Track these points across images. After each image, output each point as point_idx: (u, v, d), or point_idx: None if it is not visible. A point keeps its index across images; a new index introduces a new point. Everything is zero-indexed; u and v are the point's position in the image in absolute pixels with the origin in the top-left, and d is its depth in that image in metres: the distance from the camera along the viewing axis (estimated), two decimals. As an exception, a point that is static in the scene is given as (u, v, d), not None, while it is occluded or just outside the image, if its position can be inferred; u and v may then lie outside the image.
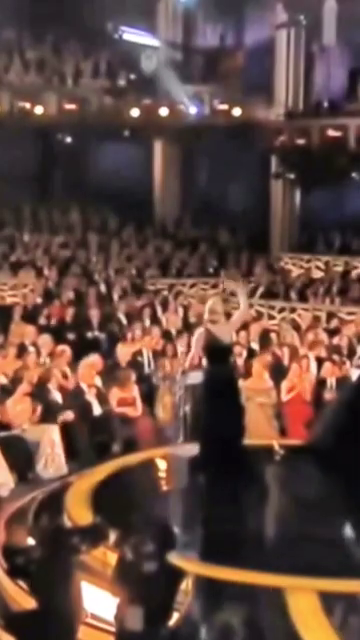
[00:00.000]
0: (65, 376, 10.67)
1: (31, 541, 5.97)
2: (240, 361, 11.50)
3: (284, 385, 10.91)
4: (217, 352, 8.03)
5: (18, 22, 20.57)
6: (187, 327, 13.37)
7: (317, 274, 18.41)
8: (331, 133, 19.48)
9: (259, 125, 20.11)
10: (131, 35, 20.88)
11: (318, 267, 19.03)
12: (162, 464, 8.67)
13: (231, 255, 18.89)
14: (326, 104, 20.17)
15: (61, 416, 9.66)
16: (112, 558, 5.33)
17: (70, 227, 19.33)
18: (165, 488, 7.92)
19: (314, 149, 19.65)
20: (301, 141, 19.80)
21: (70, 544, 5.04)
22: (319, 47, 20.42)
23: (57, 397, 10.00)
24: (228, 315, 8.31)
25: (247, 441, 9.30)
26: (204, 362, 8.26)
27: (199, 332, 8.23)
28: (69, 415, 9.73)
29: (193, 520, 6.99)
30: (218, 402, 7.86)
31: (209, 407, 7.96)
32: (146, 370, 11.67)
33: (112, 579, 4.74)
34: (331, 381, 11.14)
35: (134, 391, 10.53)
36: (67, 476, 8.76)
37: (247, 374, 11.00)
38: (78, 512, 6.78)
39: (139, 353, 11.91)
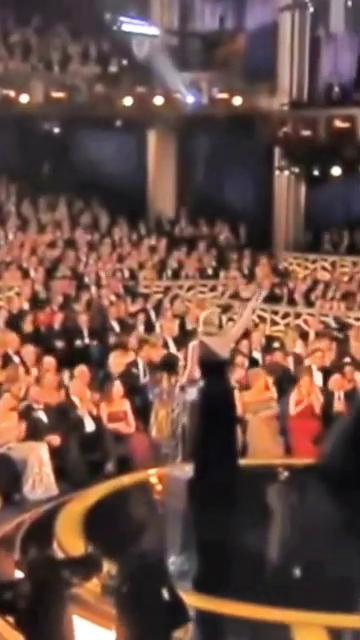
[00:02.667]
0: (56, 388, 10.69)
1: (18, 573, 5.99)
2: (242, 372, 11.53)
3: (292, 397, 10.94)
4: (212, 366, 7.98)
5: (0, 3, 20.58)
6: (185, 335, 13.39)
7: (323, 276, 18.45)
8: (338, 124, 19.53)
9: (261, 115, 20.15)
10: (125, 20, 20.90)
11: (324, 268, 19.08)
12: (158, 486, 8.71)
13: (231, 255, 18.91)
14: (333, 93, 20.22)
15: (47, 439, 9.67)
16: (106, 591, 5.37)
17: (58, 225, 19.34)
18: (162, 512, 7.95)
19: (320, 141, 19.70)
20: (306, 132, 19.84)
21: (61, 577, 5.07)
22: (326, 31, 20.48)
23: (42, 415, 10.01)
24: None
25: (250, 460, 9.37)
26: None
27: (193, 344, 8.22)
28: (55, 439, 9.74)
29: (191, 548, 7.02)
30: (212, 421, 7.84)
31: (203, 426, 7.95)
32: (141, 382, 11.70)
33: (106, 613, 4.76)
34: (339, 394, 11.17)
35: (125, 405, 10.55)
36: (57, 498, 8.78)
37: (248, 386, 11.04)
38: (69, 540, 6.80)
39: (134, 364, 11.94)
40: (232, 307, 14.98)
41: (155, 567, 4.89)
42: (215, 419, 7.88)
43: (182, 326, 14.14)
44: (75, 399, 10.31)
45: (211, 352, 7.92)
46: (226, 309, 14.65)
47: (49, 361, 11.36)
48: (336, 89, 20.19)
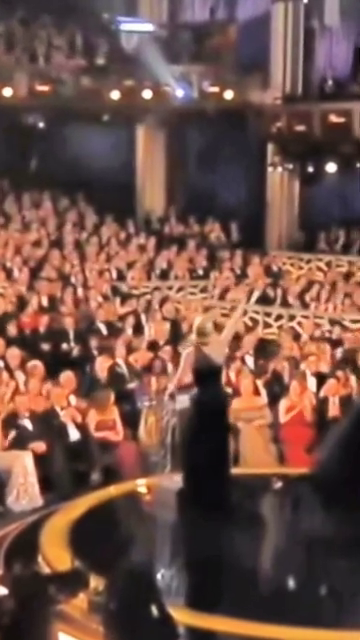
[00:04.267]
0: (42, 394, 10.72)
1: (1, 589, 6.02)
2: (232, 377, 11.58)
3: (282, 404, 11.00)
4: (207, 374, 8.03)
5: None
6: (175, 338, 13.43)
7: (318, 276, 18.51)
8: (334, 118, 19.59)
9: (254, 110, 20.22)
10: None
11: (319, 268, 19.15)
12: (147, 497, 8.76)
13: (223, 254, 18.95)
14: (328, 86, 20.30)
15: (31, 446, 9.70)
16: (93, 607, 5.41)
17: (43, 223, 19.34)
18: (151, 525, 7.99)
19: (315, 136, 19.77)
20: (300, 127, 19.91)
21: (46, 592, 5.10)
22: (320, 22, 20.54)
23: (27, 424, 10.04)
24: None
25: (242, 469, 9.42)
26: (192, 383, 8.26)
27: (188, 351, 8.25)
28: (40, 446, 9.77)
29: (181, 563, 7.06)
30: (205, 429, 7.88)
31: (195, 434, 7.99)
32: (129, 387, 11.73)
33: (93, 631, 4.80)
34: (334, 400, 11.23)
35: (114, 413, 10.59)
36: (42, 509, 8.81)
37: (238, 392, 11.08)
38: (55, 553, 6.84)
39: (121, 369, 11.97)
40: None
41: (144, 582, 4.93)
42: (208, 427, 7.91)
43: (173, 329, 14.19)
44: (57, 407, 10.33)
45: (207, 358, 7.94)
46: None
47: (36, 366, 11.38)
48: (330, 82, 20.27)
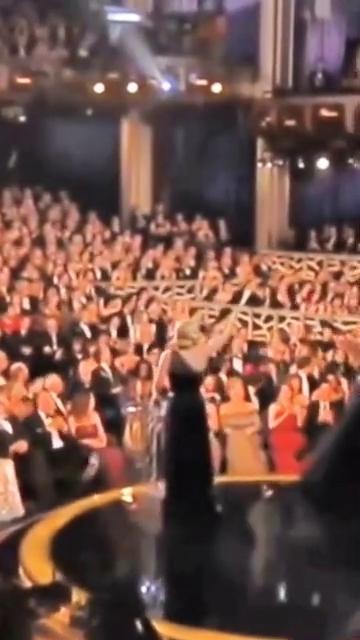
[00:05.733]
0: (23, 399, 10.73)
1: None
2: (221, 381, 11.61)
3: (272, 409, 11.05)
4: (183, 380, 7.99)
5: None
6: (162, 341, 13.47)
7: (309, 275, 18.58)
8: (326, 113, 19.68)
9: (243, 103, 20.27)
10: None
11: (310, 267, 19.22)
12: (132, 506, 8.79)
13: (211, 253, 18.99)
14: (319, 79, 20.37)
15: (13, 447, 9.72)
16: (76, 622, 5.42)
17: (24, 220, 19.34)
18: (136, 536, 8.02)
19: (306, 131, 19.85)
20: (291, 122, 19.98)
21: (27, 606, 5.13)
22: (311, 14, 20.60)
23: (7, 427, 10.05)
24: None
25: (229, 477, 9.47)
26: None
27: (165, 353, 8.25)
28: (22, 446, 9.78)
29: (167, 575, 7.09)
30: (182, 436, 7.90)
31: (172, 442, 8.02)
32: (113, 392, 11.77)
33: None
34: (324, 404, 11.29)
35: (94, 419, 10.60)
36: (23, 519, 8.83)
37: (226, 397, 11.12)
38: (36, 565, 6.85)
39: (105, 372, 11.99)
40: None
41: (128, 596, 4.98)
42: (185, 434, 7.91)
43: (159, 331, 14.22)
44: (41, 413, 10.34)
45: (184, 365, 7.92)
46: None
47: (20, 369, 11.36)
48: (319, 75, 20.34)
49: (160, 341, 13.57)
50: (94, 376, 11.87)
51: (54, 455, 10.06)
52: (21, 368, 11.44)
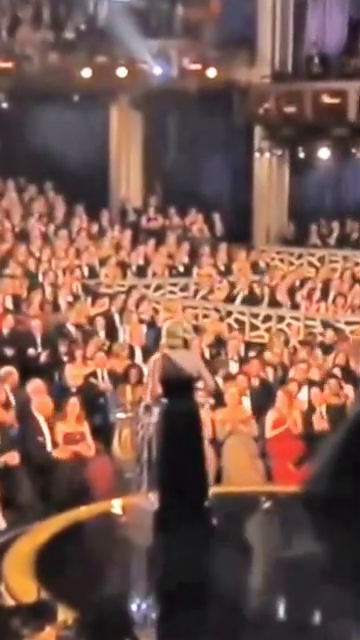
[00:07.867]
0: (6, 406, 10.76)
1: None
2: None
3: (270, 417, 11.07)
4: (176, 384, 8.04)
5: None
6: (155, 343, 13.47)
7: (310, 272, 18.62)
8: (327, 99, 19.74)
9: (239, 89, 20.32)
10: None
11: (311, 264, 19.26)
12: (121, 518, 8.82)
13: (205, 249, 19.03)
14: (320, 64, 20.40)
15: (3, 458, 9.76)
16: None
17: (7, 214, 19.37)
18: (125, 550, 8.06)
19: (306, 119, 19.91)
20: (291, 109, 20.05)
21: (9, 626, 5.16)
22: (312, -8, 20.68)
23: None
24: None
25: (225, 487, 9.51)
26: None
27: (154, 358, 8.29)
28: (14, 458, 9.82)
29: (157, 592, 7.12)
30: (176, 445, 7.94)
31: (166, 451, 8.05)
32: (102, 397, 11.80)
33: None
34: (320, 409, 11.33)
35: (82, 425, 10.63)
36: (5, 533, 8.85)
37: (221, 403, 11.14)
38: (19, 582, 6.88)
39: (93, 376, 12.03)
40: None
41: (117, 614, 5.00)
42: (179, 444, 7.96)
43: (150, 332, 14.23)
44: (39, 417, 10.37)
45: (176, 367, 7.95)
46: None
47: (11, 373, 11.35)
48: (320, 59, 20.36)
49: (152, 343, 13.57)
50: (81, 380, 11.89)
51: (38, 464, 10.10)
52: (12, 372, 11.44)
